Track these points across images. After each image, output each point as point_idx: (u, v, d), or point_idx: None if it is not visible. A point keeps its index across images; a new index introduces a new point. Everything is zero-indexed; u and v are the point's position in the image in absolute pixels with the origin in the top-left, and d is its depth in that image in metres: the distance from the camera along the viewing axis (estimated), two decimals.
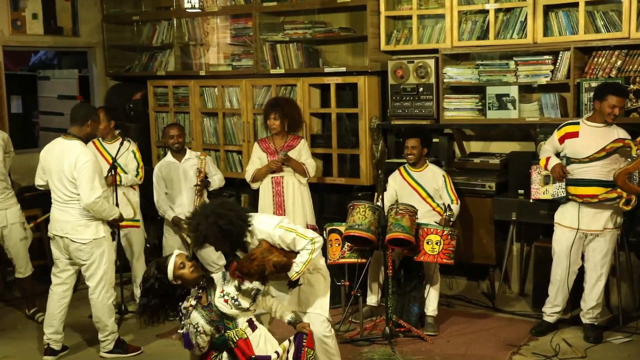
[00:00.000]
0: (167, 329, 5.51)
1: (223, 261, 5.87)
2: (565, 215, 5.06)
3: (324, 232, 5.30)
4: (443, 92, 5.99)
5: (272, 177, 5.75)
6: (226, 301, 3.61)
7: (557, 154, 5.09)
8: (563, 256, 5.08)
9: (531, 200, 5.42)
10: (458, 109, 5.98)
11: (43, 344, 5.08)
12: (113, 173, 5.58)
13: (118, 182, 5.76)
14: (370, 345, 5.11)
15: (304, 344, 3.70)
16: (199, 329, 3.58)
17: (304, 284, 3.99)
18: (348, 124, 6.43)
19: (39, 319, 5.66)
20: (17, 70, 9.24)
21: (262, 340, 3.69)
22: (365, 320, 5.34)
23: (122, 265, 5.93)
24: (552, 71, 5.59)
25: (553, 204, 5.21)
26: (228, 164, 7.06)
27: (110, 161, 5.66)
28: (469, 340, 5.19)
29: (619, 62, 5.40)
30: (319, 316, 3.99)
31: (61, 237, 4.90)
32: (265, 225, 3.80)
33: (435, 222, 5.31)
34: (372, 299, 5.58)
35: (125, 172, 5.86)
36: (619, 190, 4.76)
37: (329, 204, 6.70)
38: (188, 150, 6.06)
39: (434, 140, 6.00)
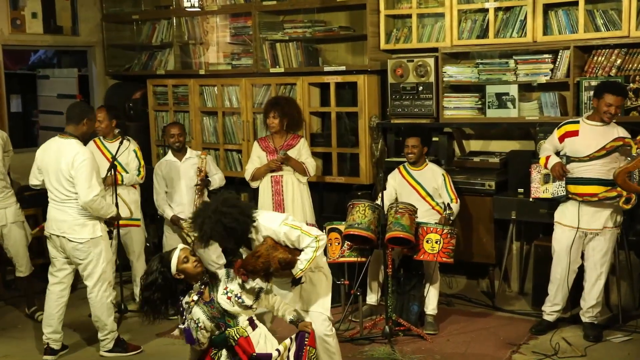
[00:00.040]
0: (167, 328, 5.52)
1: (223, 260, 5.87)
2: (565, 214, 5.06)
3: (324, 231, 5.30)
4: (443, 90, 5.99)
5: (271, 176, 5.75)
6: (229, 298, 3.60)
7: (557, 153, 5.09)
8: (563, 255, 5.08)
9: (531, 199, 5.42)
10: (458, 108, 5.98)
11: (43, 343, 5.08)
12: (113, 172, 5.58)
13: (120, 182, 5.77)
14: (370, 344, 5.11)
15: (305, 342, 3.68)
16: (199, 325, 3.57)
17: (306, 283, 3.98)
18: (348, 122, 6.43)
19: (39, 317, 5.66)
20: (16, 69, 9.23)
21: (262, 339, 3.68)
22: (365, 319, 5.34)
23: (122, 264, 5.94)
24: (551, 70, 5.59)
25: (553, 203, 5.21)
26: (228, 163, 7.06)
27: (111, 160, 5.66)
28: (469, 339, 5.19)
29: (619, 61, 5.40)
30: (320, 315, 3.99)
31: (58, 236, 4.90)
32: (270, 222, 3.79)
33: (435, 221, 5.31)
34: (372, 298, 5.58)
35: (126, 171, 5.86)
36: (618, 189, 4.76)
37: (328, 203, 6.71)
38: (189, 149, 6.06)
39: (434, 139, 6.00)
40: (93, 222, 4.89)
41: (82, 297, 5.09)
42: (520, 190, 5.63)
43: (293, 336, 3.74)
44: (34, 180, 5.03)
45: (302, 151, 5.77)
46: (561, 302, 5.21)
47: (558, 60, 5.55)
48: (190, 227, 5.62)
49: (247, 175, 5.85)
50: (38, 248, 6.59)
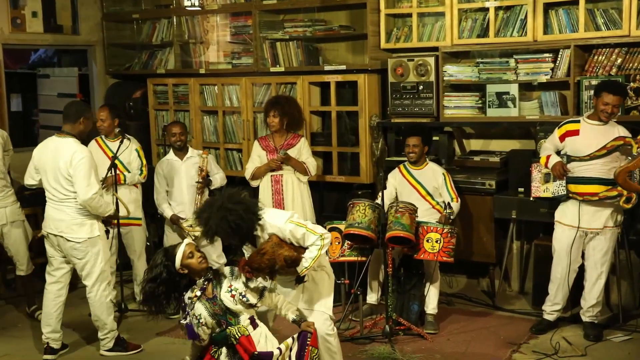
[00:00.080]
0: (167, 327, 5.53)
1: (223, 260, 5.87)
2: (565, 214, 5.05)
3: None
4: (443, 90, 5.98)
5: (271, 175, 5.76)
6: (233, 296, 3.59)
7: (558, 152, 5.09)
8: (563, 254, 5.08)
9: (531, 198, 5.41)
10: (458, 107, 5.97)
11: (42, 343, 5.08)
12: (113, 171, 5.58)
13: (122, 181, 5.78)
14: (370, 343, 5.11)
15: (308, 342, 3.67)
16: (200, 321, 3.57)
17: (308, 282, 3.98)
18: (348, 122, 6.43)
19: (39, 317, 5.65)
20: (17, 68, 9.23)
21: (262, 338, 3.68)
22: (365, 318, 5.34)
23: (123, 263, 5.94)
24: (552, 69, 5.58)
25: (553, 202, 5.21)
26: (228, 162, 7.05)
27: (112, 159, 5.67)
28: (469, 339, 5.18)
29: (619, 60, 5.39)
30: (322, 314, 3.99)
31: (55, 235, 4.90)
32: (276, 220, 3.79)
33: (435, 220, 5.31)
34: (372, 297, 5.58)
35: (128, 171, 5.86)
36: (619, 188, 4.76)
37: (328, 202, 6.71)
38: (190, 149, 6.05)
39: (434, 138, 5.99)
40: (91, 222, 4.89)
41: (82, 296, 5.09)
42: (521, 189, 5.63)
43: (295, 336, 3.72)
44: (29, 180, 5.03)
45: (302, 151, 5.77)
46: (561, 302, 5.20)
47: (558, 59, 5.54)
48: (194, 223, 5.67)
49: (247, 175, 5.85)
50: (38, 247, 6.57)
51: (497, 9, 5.76)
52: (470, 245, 5.92)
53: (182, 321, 3.64)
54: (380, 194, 5.17)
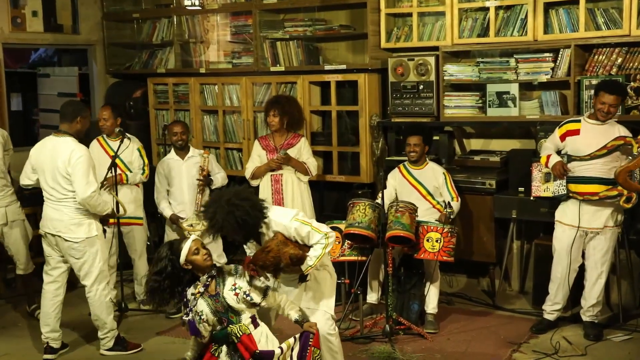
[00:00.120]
0: (167, 327, 5.53)
1: (224, 259, 5.86)
2: (565, 213, 5.05)
3: None
4: (443, 89, 5.98)
5: (271, 175, 5.76)
6: (237, 295, 3.58)
7: (558, 152, 5.09)
8: (563, 254, 5.08)
9: (532, 198, 5.41)
10: (458, 107, 5.97)
11: (42, 342, 5.07)
12: (113, 171, 5.58)
13: (125, 181, 5.78)
14: (371, 342, 5.11)
15: (310, 343, 3.66)
16: (202, 317, 3.56)
17: (311, 281, 3.98)
18: (348, 121, 6.43)
19: (39, 316, 5.64)
20: (17, 67, 9.22)
21: (263, 338, 3.67)
22: (366, 317, 5.34)
23: (123, 262, 5.94)
24: (552, 69, 5.58)
25: (554, 202, 5.21)
26: (228, 161, 7.05)
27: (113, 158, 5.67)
28: (469, 338, 5.18)
29: (620, 60, 5.39)
30: (324, 313, 3.99)
31: (53, 235, 4.90)
32: (281, 217, 3.80)
33: (435, 219, 5.31)
34: (372, 297, 5.58)
35: (130, 170, 5.86)
36: (619, 188, 4.76)
37: (329, 202, 6.70)
38: (191, 148, 6.04)
39: (434, 138, 5.99)
40: (89, 222, 4.88)
41: (82, 295, 5.09)
42: (521, 189, 5.63)
43: (297, 336, 3.71)
44: (25, 180, 5.02)
45: (302, 150, 5.77)
46: (562, 301, 5.20)
47: (559, 59, 5.54)
48: (194, 222, 5.67)
49: (247, 174, 5.85)
50: (38, 247, 6.58)
51: (498, 8, 5.75)
52: (471, 245, 5.92)
53: (185, 317, 3.62)
54: (380, 193, 5.17)
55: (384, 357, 4.84)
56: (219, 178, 5.99)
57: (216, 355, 3.64)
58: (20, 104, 9.39)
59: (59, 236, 4.87)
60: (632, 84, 5.29)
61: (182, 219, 5.82)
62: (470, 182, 5.81)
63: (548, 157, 5.08)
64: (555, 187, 5.08)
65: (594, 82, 5.28)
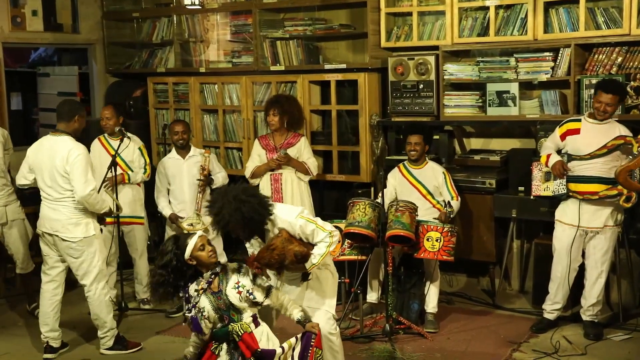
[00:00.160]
0: (167, 326, 5.53)
1: (224, 258, 5.87)
2: (565, 212, 5.05)
3: None
4: (443, 88, 5.98)
5: (270, 174, 5.76)
6: (240, 293, 3.57)
7: (559, 151, 5.09)
8: (563, 253, 5.08)
9: (532, 197, 5.40)
10: (458, 106, 5.97)
11: (42, 342, 5.07)
12: (113, 170, 5.58)
13: (126, 180, 5.78)
14: (370, 342, 5.11)
15: (312, 343, 3.64)
16: (203, 314, 3.55)
17: (313, 280, 3.98)
18: (348, 121, 6.42)
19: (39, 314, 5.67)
20: (16, 67, 9.22)
21: (264, 337, 3.67)
22: (365, 317, 5.33)
23: (123, 262, 5.94)
24: (552, 68, 5.58)
25: (554, 201, 5.20)
26: (228, 161, 7.05)
27: (116, 158, 5.67)
28: (469, 337, 5.18)
29: (620, 59, 5.39)
30: (326, 313, 3.99)
31: (51, 234, 4.90)
32: (287, 214, 3.80)
33: (435, 218, 5.31)
34: (372, 296, 5.58)
35: (131, 169, 5.86)
36: (619, 187, 4.76)
37: (328, 201, 6.70)
38: (192, 147, 6.03)
39: (434, 137, 5.99)
40: (86, 221, 4.88)
41: (82, 294, 5.09)
42: (521, 188, 5.63)
43: (299, 336, 3.70)
44: (22, 180, 5.02)
45: (303, 150, 5.77)
46: (562, 301, 5.20)
47: (559, 58, 5.54)
48: (194, 221, 5.66)
49: (247, 173, 5.85)
50: (38, 246, 6.58)
51: (498, 7, 5.75)
52: (471, 244, 5.92)
53: (187, 313, 3.61)
54: (380, 193, 5.17)
55: (384, 356, 4.84)
56: (220, 177, 5.99)
57: (216, 353, 3.63)
58: (20, 104, 9.39)
59: (57, 236, 4.87)
60: (632, 83, 5.28)
61: (182, 218, 5.81)
62: (470, 182, 5.81)
63: (548, 156, 5.08)
64: (556, 187, 5.08)
65: (594, 81, 5.28)
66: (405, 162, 5.62)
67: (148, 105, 7.50)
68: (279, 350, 3.61)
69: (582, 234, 5.01)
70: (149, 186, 6.13)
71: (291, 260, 3.68)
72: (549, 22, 5.62)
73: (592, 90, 5.08)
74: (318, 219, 3.88)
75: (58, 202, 4.84)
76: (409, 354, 4.89)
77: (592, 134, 4.89)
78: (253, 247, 3.97)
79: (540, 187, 5.30)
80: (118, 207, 5.43)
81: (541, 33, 5.59)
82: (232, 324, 3.59)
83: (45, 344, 5.05)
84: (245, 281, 3.61)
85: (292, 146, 5.75)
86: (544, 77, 5.61)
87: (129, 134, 5.82)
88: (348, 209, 5.18)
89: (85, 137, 5.60)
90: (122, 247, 5.95)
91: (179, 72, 7.35)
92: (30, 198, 6.33)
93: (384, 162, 6.18)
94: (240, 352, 3.58)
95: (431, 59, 5.97)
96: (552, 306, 5.23)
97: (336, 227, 5.17)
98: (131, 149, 5.88)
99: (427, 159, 5.60)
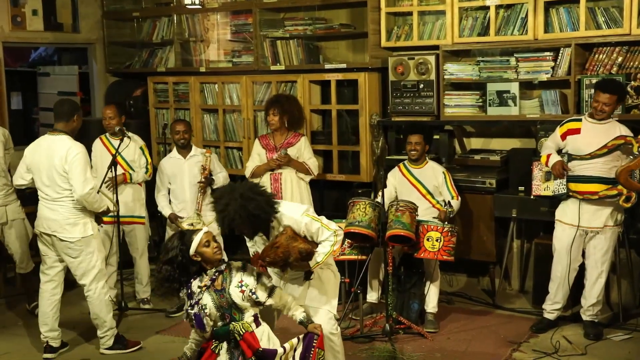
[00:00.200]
0: (167, 325, 5.53)
1: (224, 257, 5.86)
2: (565, 212, 5.05)
3: None
4: (443, 88, 5.98)
5: (270, 174, 5.76)
6: (243, 292, 3.56)
7: (559, 151, 5.09)
8: (563, 253, 5.08)
9: (532, 197, 5.40)
10: (458, 106, 5.97)
11: (41, 342, 5.07)
12: (113, 169, 5.58)
13: (128, 180, 5.78)
14: (370, 342, 5.11)
15: (314, 344, 3.63)
16: (205, 311, 3.54)
17: (315, 279, 3.97)
18: (348, 120, 6.42)
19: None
20: (17, 66, 9.23)
21: (265, 337, 3.66)
22: (365, 317, 5.33)
23: (123, 261, 5.93)
24: (552, 68, 5.57)
25: (554, 201, 5.20)
26: (228, 160, 7.05)
27: (117, 158, 5.67)
28: (469, 337, 5.18)
29: (620, 59, 5.39)
30: (327, 313, 3.98)
31: (49, 235, 4.90)
32: (292, 212, 3.80)
33: (434, 217, 5.31)
34: (372, 296, 5.58)
35: (133, 169, 5.87)
36: (619, 187, 4.76)
37: (329, 201, 6.70)
38: (194, 147, 6.02)
39: (435, 137, 5.99)
40: (84, 221, 4.88)
41: (82, 294, 5.09)
42: (521, 188, 5.63)
43: (301, 336, 3.69)
44: (19, 180, 5.02)
45: (303, 150, 5.77)
46: (562, 301, 5.20)
47: (559, 58, 5.54)
48: (195, 221, 5.66)
49: (247, 173, 5.85)
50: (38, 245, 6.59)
51: (498, 7, 5.75)
52: (471, 244, 5.92)
53: (190, 310, 3.60)
54: (380, 192, 5.16)
55: (384, 356, 4.84)
56: (221, 177, 5.98)
57: (216, 352, 3.62)
58: (20, 103, 9.39)
59: (55, 236, 4.87)
60: (632, 83, 5.28)
61: (182, 218, 5.80)
62: (471, 181, 5.80)
63: (548, 156, 5.07)
64: (556, 186, 5.08)
65: (594, 81, 5.27)
66: (405, 162, 5.62)
67: (148, 105, 7.50)
68: (280, 350, 3.60)
69: (582, 233, 5.01)
70: (150, 186, 6.13)
71: (296, 257, 3.67)
72: (549, 22, 5.61)
73: (592, 90, 5.07)
74: (323, 218, 3.87)
75: (56, 202, 4.84)
76: (409, 354, 4.88)
77: (592, 134, 4.89)
78: (256, 245, 3.96)
79: (541, 187, 5.30)
80: (119, 207, 5.42)
81: (541, 33, 5.59)
82: (233, 322, 3.58)
83: (45, 343, 5.04)
84: (249, 280, 3.60)
85: (292, 146, 5.75)
86: (544, 77, 5.61)
87: (129, 134, 5.82)
88: (348, 208, 5.17)
89: (85, 137, 5.61)
90: (122, 246, 5.95)
91: (179, 71, 7.35)
92: (30, 198, 6.32)
93: (384, 161, 6.18)
94: (240, 351, 3.57)
95: (431, 59, 5.97)
96: (552, 306, 5.23)
97: None
98: (132, 149, 5.88)
99: (427, 158, 5.59)
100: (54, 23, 7.50)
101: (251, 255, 3.96)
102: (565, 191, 4.99)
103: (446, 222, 5.19)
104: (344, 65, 6.36)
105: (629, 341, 5.03)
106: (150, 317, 5.81)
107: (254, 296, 3.58)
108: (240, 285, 3.58)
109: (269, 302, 3.66)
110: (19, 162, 5.57)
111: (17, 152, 6.10)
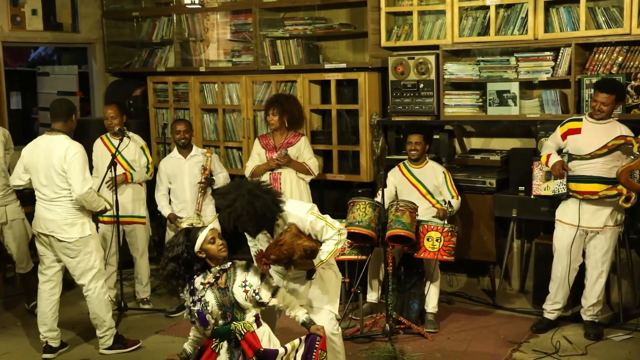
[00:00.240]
0: (166, 325, 5.53)
1: None
2: (566, 212, 5.05)
3: None
4: (443, 88, 5.97)
5: (270, 174, 5.75)
6: (246, 292, 3.55)
7: (560, 151, 5.08)
8: (564, 253, 5.07)
9: (532, 197, 5.40)
10: (458, 106, 5.96)
11: (41, 342, 5.06)
12: (113, 169, 5.57)
13: (129, 179, 5.78)
14: (371, 342, 5.10)
15: (316, 346, 3.62)
16: (207, 308, 3.54)
17: (316, 279, 3.96)
18: (348, 120, 6.42)
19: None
20: (16, 66, 9.22)
21: (265, 338, 3.65)
22: (366, 317, 5.33)
23: (123, 261, 5.93)
24: (553, 67, 5.57)
25: (554, 201, 5.20)
26: (228, 160, 7.05)
27: (118, 157, 5.66)
28: (470, 337, 5.18)
29: (620, 59, 5.38)
30: (329, 313, 3.98)
31: (46, 235, 4.89)
32: (297, 210, 3.79)
33: (433, 216, 5.30)
34: (372, 296, 5.58)
35: (133, 169, 5.86)
36: (619, 187, 4.76)
37: (328, 201, 6.69)
38: (194, 147, 6.01)
39: (435, 136, 5.98)
40: (82, 221, 4.88)
41: (81, 294, 5.09)
42: (521, 188, 5.63)
43: (303, 337, 3.67)
44: (16, 180, 5.01)
45: (303, 150, 5.76)
46: (562, 301, 5.20)
47: (559, 57, 5.53)
48: (195, 221, 5.65)
49: (247, 173, 5.84)
50: None
51: (498, 7, 5.74)
52: (471, 244, 5.91)
53: (192, 307, 3.58)
54: (380, 192, 5.16)
55: (384, 356, 4.83)
56: (221, 178, 5.96)
57: (216, 351, 3.61)
58: (20, 103, 9.39)
59: (52, 236, 4.87)
60: (632, 82, 5.28)
61: (181, 218, 5.80)
62: (471, 181, 5.80)
63: (548, 156, 5.07)
64: (556, 186, 5.07)
65: (594, 81, 5.27)
66: (405, 162, 5.61)
67: (148, 105, 7.49)
68: (281, 351, 3.59)
69: (582, 233, 5.01)
70: (151, 185, 6.12)
71: (300, 255, 3.66)
72: (549, 22, 5.61)
73: (592, 90, 5.07)
74: (327, 216, 3.86)
75: (53, 202, 4.83)
76: (409, 354, 4.88)
77: (593, 134, 4.89)
78: (259, 243, 3.95)
79: (541, 187, 5.29)
80: (118, 207, 5.42)
81: (542, 32, 5.59)
82: (234, 322, 3.58)
83: (44, 343, 5.04)
84: (253, 280, 3.59)
85: (292, 146, 5.74)
86: (544, 77, 5.60)
87: (129, 133, 5.81)
88: (348, 208, 5.17)
89: (85, 137, 5.61)
90: (122, 246, 5.94)
91: (178, 71, 7.35)
92: (29, 198, 6.30)
93: (384, 161, 6.18)
94: (241, 351, 3.56)
95: (431, 59, 5.97)
96: (552, 306, 5.23)
97: None
98: (132, 148, 5.87)
99: (427, 158, 5.59)
100: (54, 23, 7.50)
101: (253, 255, 3.95)
102: (566, 191, 4.98)
103: (446, 222, 5.19)
104: (343, 65, 6.36)
105: (630, 341, 5.03)
106: (150, 317, 5.81)
107: (257, 296, 3.57)
108: (244, 285, 3.57)
109: (273, 302, 3.65)
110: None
111: (17, 152, 6.09)
